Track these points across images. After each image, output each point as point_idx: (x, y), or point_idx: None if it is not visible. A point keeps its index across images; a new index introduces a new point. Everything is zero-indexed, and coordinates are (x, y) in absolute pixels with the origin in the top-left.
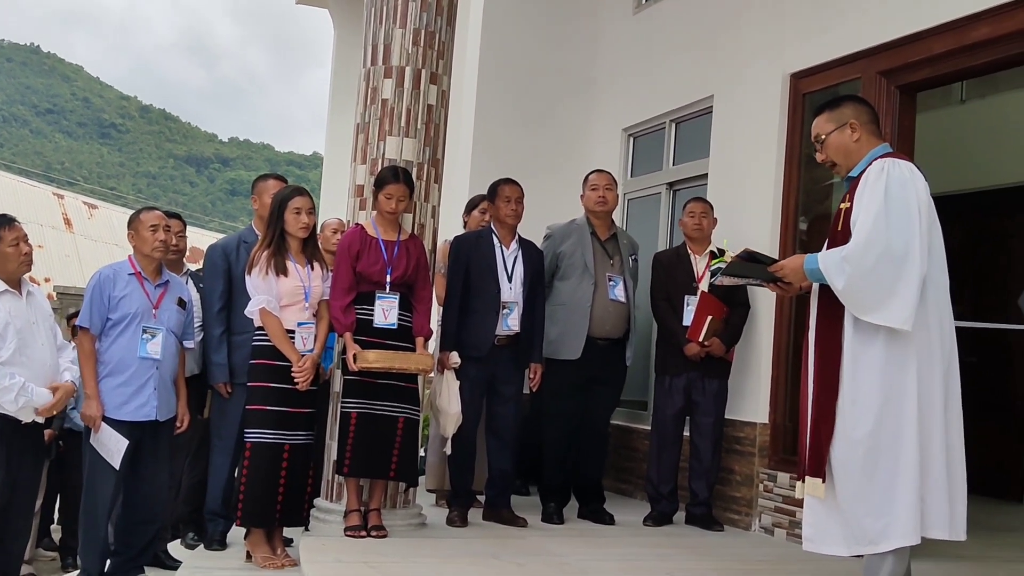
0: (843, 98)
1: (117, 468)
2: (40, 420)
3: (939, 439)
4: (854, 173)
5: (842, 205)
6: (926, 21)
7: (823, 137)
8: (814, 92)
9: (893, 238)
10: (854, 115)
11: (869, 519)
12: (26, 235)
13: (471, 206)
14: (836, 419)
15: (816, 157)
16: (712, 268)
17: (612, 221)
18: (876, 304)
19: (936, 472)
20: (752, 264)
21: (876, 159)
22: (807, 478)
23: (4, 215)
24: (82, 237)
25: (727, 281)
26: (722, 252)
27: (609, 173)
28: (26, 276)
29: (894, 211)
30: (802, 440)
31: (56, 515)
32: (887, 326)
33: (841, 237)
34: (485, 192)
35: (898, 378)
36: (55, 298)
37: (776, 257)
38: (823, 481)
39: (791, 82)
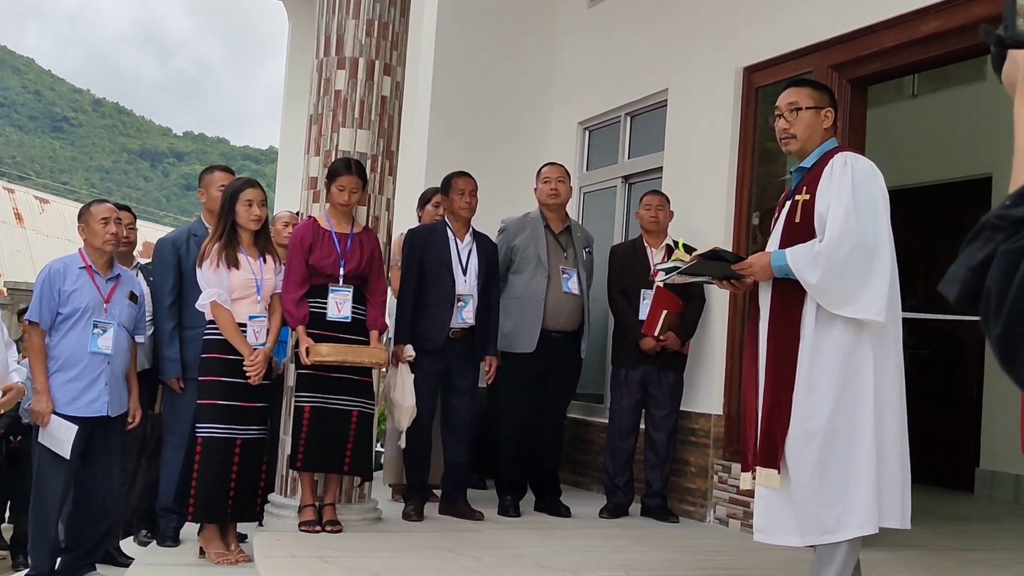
0: (824, 86)
1: (68, 457)
2: None
3: (895, 428)
4: (807, 163)
5: (798, 197)
6: (877, 15)
7: (801, 107)
8: (767, 86)
9: (863, 232)
10: (831, 105)
11: (824, 509)
12: None
13: (424, 200)
14: (792, 410)
15: (776, 124)
16: (660, 267)
17: (566, 214)
18: (849, 297)
19: (891, 461)
20: (714, 262)
21: (833, 152)
22: (760, 469)
23: None
24: (33, 232)
25: (678, 280)
26: (678, 246)
27: (562, 166)
28: None
29: (862, 205)
30: (749, 431)
31: (7, 513)
32: (853, 318)
33: (801, 230)
34: (439, 185)
35: (854, 369)
36: (5, 294)
37: (742, 255)
38: (778, 472)
39: (744, 76)
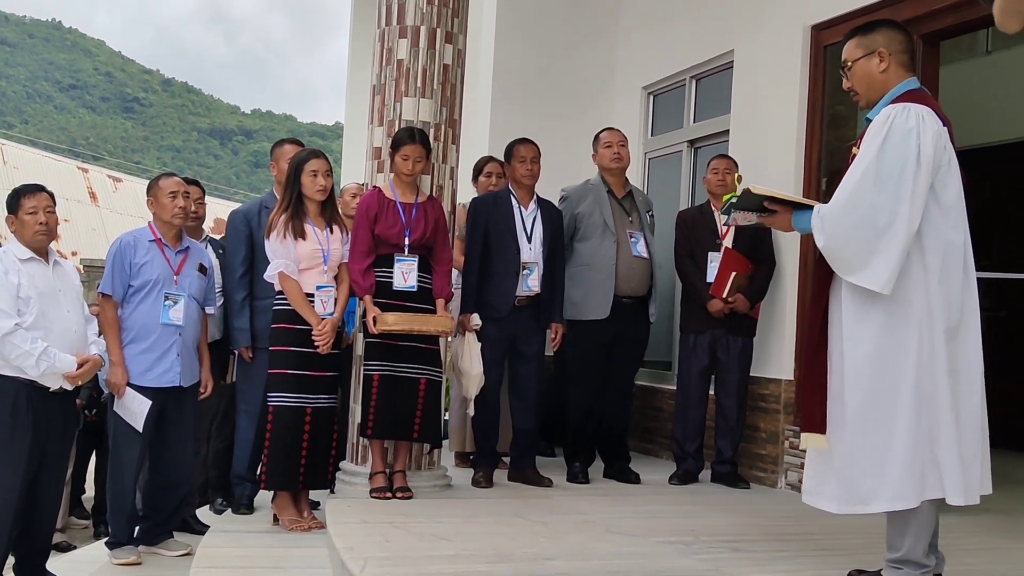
0: (877, 23)
1: (140, 431)
2: (68, 387)
3: (946, 404)
4: (871, 115)
5: (854, 150)
6: None
7: (849, 64)
8: (835, 44)
9: (877, 196)
10: (884, 43)
11: (860, 479)
12: (49, 206)
13: (477, 170)
14: (830, 376)
15: (844, 84)
16: (725, 206)
17: (626, 179)
18: (856, 264)
19: (947, 438)
20: (757, 196)
21: (893, 101)
22: (804, 433)
23: (32, 184)
24: (107, 210)
25: (740, 218)
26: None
27: (620, 131)
28: (53, 248)
29: (885, 167)
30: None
31: (92, 483)
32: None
33: None
34: (503, 153)
35: (894, 341)
36: (82, 271)
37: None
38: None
39: (812, 34)
